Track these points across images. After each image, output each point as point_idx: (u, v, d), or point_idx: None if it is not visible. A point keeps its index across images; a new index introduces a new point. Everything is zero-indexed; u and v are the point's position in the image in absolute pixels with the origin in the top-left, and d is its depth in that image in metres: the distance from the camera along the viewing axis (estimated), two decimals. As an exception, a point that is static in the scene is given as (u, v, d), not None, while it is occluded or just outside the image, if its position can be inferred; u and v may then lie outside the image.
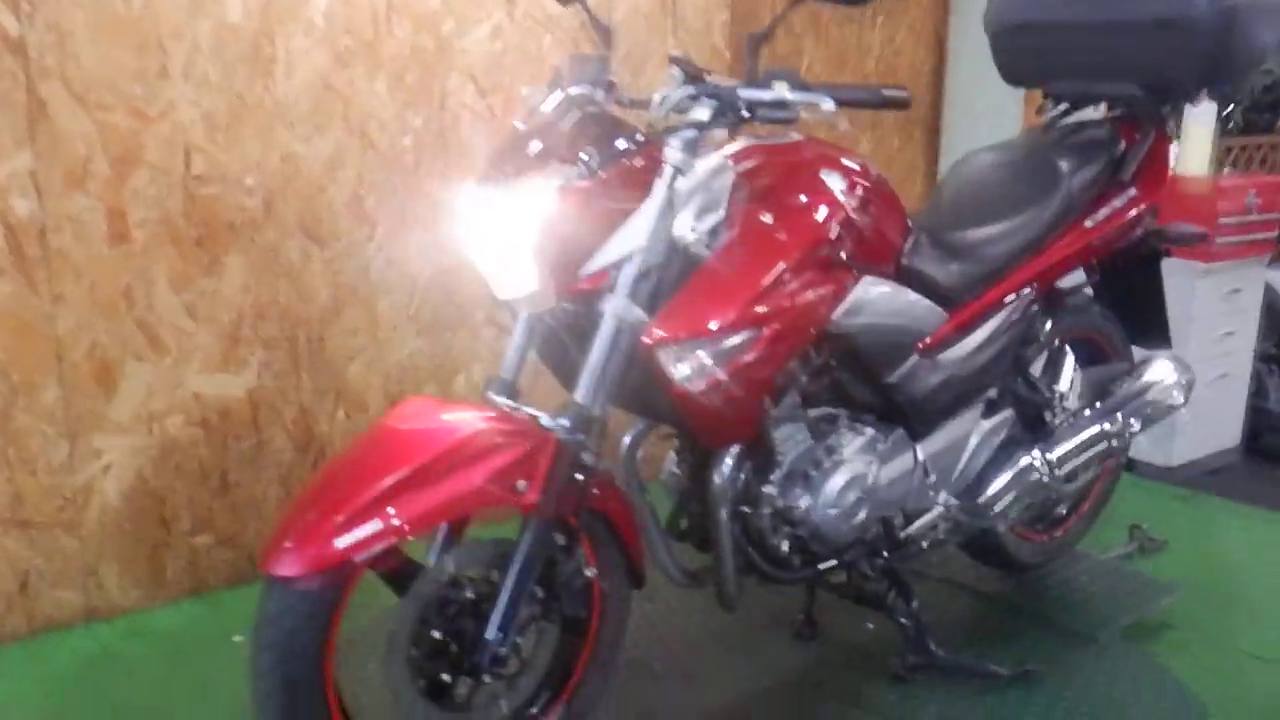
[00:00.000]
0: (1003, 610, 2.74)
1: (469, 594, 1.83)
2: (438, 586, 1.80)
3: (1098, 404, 2.61)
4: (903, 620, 2.38)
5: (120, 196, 2.67)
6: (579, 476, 1.85)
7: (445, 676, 1.82)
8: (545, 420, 1.83)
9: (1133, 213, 2.54)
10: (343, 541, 1.64)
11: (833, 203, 2.00)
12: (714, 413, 1.91)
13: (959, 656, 2.39)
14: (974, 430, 2.37)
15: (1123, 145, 2.56)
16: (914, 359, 2.24)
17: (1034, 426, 2.54)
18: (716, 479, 2.02)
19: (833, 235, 1.99)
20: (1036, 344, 2.51)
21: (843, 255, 2.04)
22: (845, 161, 2.09)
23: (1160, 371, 2.69)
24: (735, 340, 1.87)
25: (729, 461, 2.02)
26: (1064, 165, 2.46)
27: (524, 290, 1.81)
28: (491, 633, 1.80)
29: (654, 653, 2.49)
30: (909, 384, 2.23)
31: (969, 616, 2.71)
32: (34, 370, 2.62)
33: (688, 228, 1.88)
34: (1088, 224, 2.49)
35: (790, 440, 2.10)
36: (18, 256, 2.58)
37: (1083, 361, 2.71)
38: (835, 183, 2.02)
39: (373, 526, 1.65)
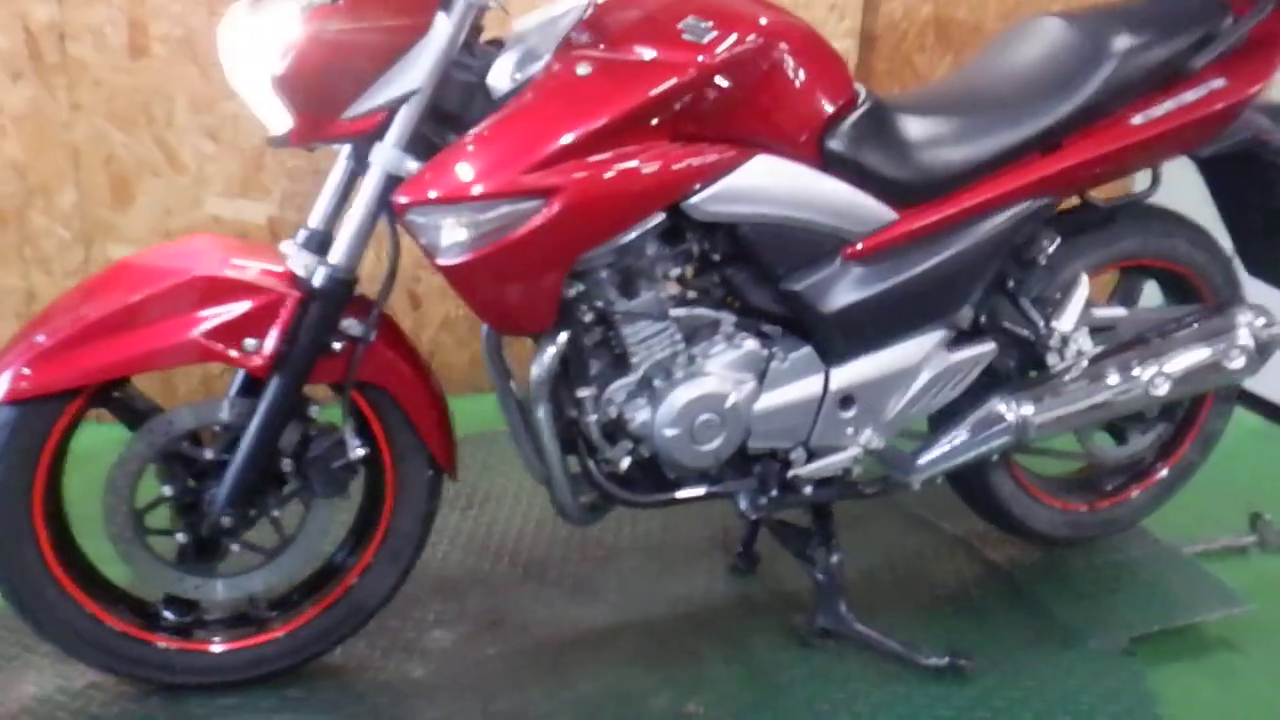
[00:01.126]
0: (993, 585, 2.26)
1: (209, 454, 1.68)
2: (167, 438, 1.66)
3: (1127, 353, 2.05)
4: (818, 575, 2.00)
5: (143, 9, 2.64)
6: (336, 344, 1.63)
7: (181, 536, 1.70)
8: (300, 278, 1.62)
9: (1214, 108, 1.93)
10: (27, 379, 1.57)
11: (688, 59, 1.61)
12: (485, 295, 1.63)
13: (878, 630, 1.99)
14: (928, 361, 1.91)
15: (1230, 18, 1.94)
16: (834, 265, 1.82)
17: (1029, 369, 2.03)
18: (534, 369, 1.73)
19: (678, 98, 1.61)
20: (1035, 267, 1.98)
21: (708, 125, 1.66)
22: (741, 11, 1.68)
23: (1226, 323, 2.08)
24: (506, 210, 1.56)
25: (550, 352, 1.73)
26: (1119, 41, 1.89)
27: (279, 128, 1.59)
28: (214, 498, 1.64)
29: (570, 562, 2.26)
30: (821, 295, 1.82)
31: (944, 583, 2.26)
32: (51, 174, 2.68)
33: (507, 76, 1.59)
34: (1136, 120, 1.91)
35: (649, 341, 1.77)
36: (37, 61, 2.61)
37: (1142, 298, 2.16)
38: (704, 34, 1.62)
39: (54, 369, 1.56)
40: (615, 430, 1.79)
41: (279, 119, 1.58)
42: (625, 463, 1.81)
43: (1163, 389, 2.01)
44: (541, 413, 1.75)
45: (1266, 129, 2.01)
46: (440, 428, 1.79)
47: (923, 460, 1.97)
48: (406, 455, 1.79)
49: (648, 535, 2.34)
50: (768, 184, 1.73)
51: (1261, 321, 2.06)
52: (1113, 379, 2.00)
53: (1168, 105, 1.92)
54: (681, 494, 1.87)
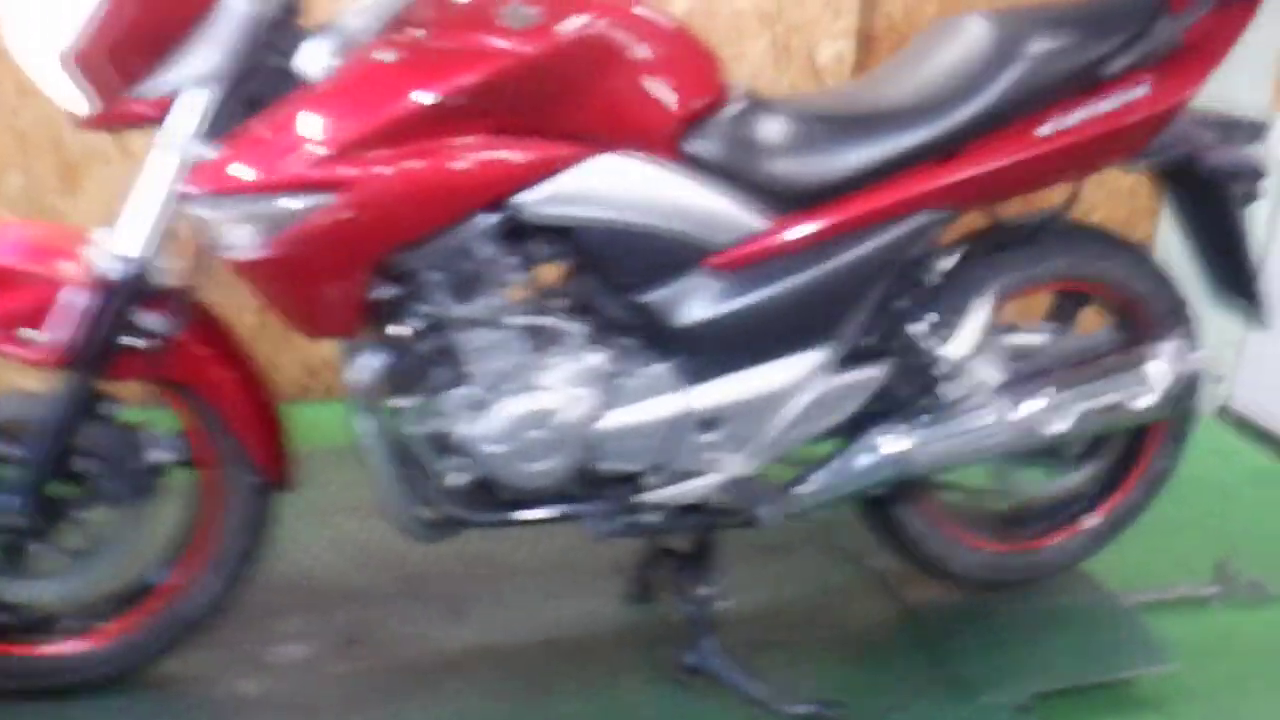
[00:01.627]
0: (902, 628, 2.10)
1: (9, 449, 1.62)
2: None
3: (1033, 385, 1.87)
4: (687, 607, 1.86)
5: None
6: (137, 340, 1.56)
7: None
8: (96, 269, 1.55)
9: (1133, 118, 1.74)
10: None
11: (500, 48, 1.50)
12: (279, 295, 1.53)
13: (743, 674, 1.84)
14: (805, 385, 1.76)
15: (1165, 19, 1.75)
16: (692, 276, 1.69)
17: (924, 397, 1.86)
18: (351, 376, 1.63)
19: (487, 89, 1.50)
20: (931, 287, 1.81)
21: (538, 120, 1.54)
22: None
23: (1142, 357, 1.88)
24: (292, 204, 1.45)
25: (366, 359, 1.62)
26: (1031, 43, 1.72)
27: (75, 108, 1.51)
28: (4, 498, 1.58)
29: (453, 580, 2.14)
30: (675, 308, 1.68)
31: (850, 623, 2.10)
32: None
33: (318, 61, 1.49)
34: (1044, 129, 1.73)
35: (487, 351, 1.65)
36: (-20, 44, 2.60)
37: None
38: (526, 22, 1.50)
39: None
40: (444, 444, 1.67)
41: (67, 98, 1.50)
42: (460, 479, 1.69)
43: (1058, 426, 1.82)
44: (361, 423, 1.64)
45: (1205, 144, 1.81)
46: (265, 434, 1.70)
47: (796, 491, 1.82)
48: (227, 461, 1.70)
49: (545, 555, 2.22)
50: (608, 186, 1.60)
51: (1181, 359, 1.86)
52: (1007, 413, 1.82)
53: (1080, 114, 1.74)
54: (522, 515, 1.75)
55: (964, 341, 1.79)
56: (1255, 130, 1.90)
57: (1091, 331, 2.03)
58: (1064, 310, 2.01)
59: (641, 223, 1.63)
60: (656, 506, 1.77)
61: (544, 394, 1.65)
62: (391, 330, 1.63)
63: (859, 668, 1.98)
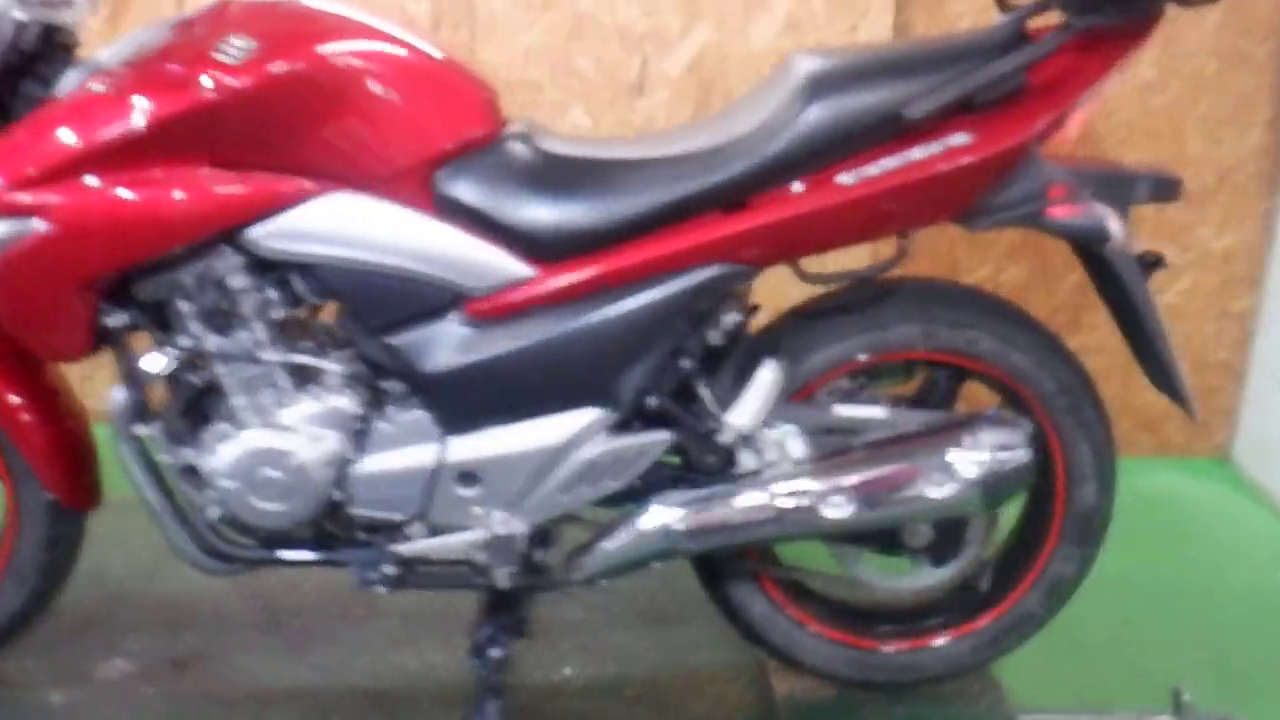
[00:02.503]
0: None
1: None
2: None
3: (836, 461, 1.67)
4: (473, 664, 1.78)
5: None
6: None
7: None
8: None
9: (944, 168, 1.53)
10: None
11: (208, 80, 1.49)
12: (4, 317, 1.57)
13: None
14: (579, 444, 1.65)
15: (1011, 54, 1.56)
16: (445, 322, 1.62)
17: (716, 467, 1.70)
18: (109, 401, 1.67)
19: (194, 121, 1.49)
20: (711, 349, 1.66)
21: (261, 154, 1.53)
22: (302, 32, 1.54)
23: (956, 441, 1.63)
24: None
25: (119, 386, 1.65)
26: (838, 87, 1.56)
27: None
28: None
29: (318, 614, 2.13)
30: (425, 354, 1.62)
31: (695, 706, 1.93)
32: None
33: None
34: (844, 178, 1.56)
35: (246, 384, 1.65)
36: None
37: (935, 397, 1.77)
38: (240, 55, 1.50)
39: None
40: (195, 477, 1.67)
41: None
42: (215, 513, 1.68)
43: (841, 511, 1.61)
44: (122, 451, 1.67)
45: (1057, 200, 1.58)
46: (54, 452, 1.74)
47: (582, 557, 1.70)
48: (21, 478, 1.76)
49: (405, 601, 2.16)
50: (342, 224, 1.56)
51: (997, 448, 1.61)
52: (788, 492, 1.63)
53: (887, 163, 1.55)
54: (285, 554, 1.72)
55: (746, 410, 1.62)
56: (1147, 186, 1.63)
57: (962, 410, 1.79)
58: (938, 386, 1.79)
59: (384, 263, 1.58)
60: (420, 559, 1.70)
61: (283, 433, 1.62)
62: (148, 360, 1.64)
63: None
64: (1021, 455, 1.60)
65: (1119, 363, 2.90)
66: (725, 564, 1.81)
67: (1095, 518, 1.80)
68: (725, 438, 1.63)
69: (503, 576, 1.67)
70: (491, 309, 1.60)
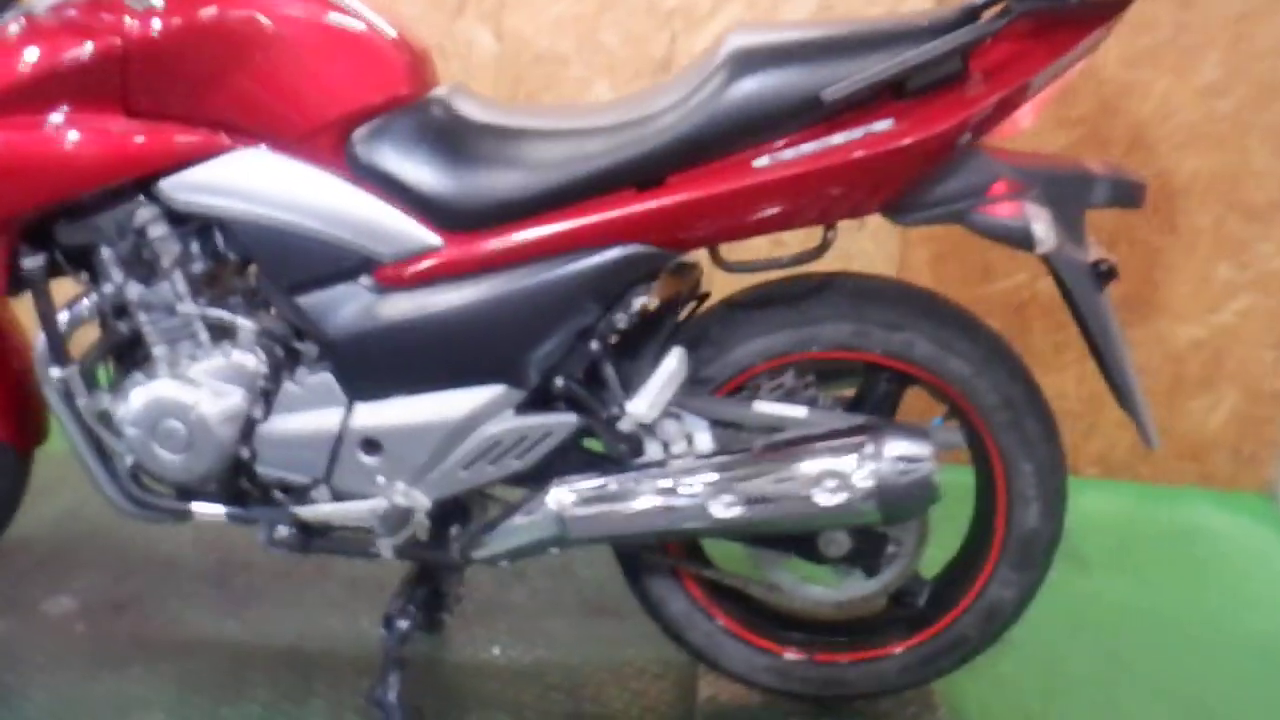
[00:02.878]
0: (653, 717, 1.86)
1: None
2: None
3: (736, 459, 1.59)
4: (382, 633, 1.76)
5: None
6: None
7: None
8: None
9: (861, 154, 1.44)
10: None
11: (114, 28, 1.49)
12: None
13: None
14: (482, 420, 1.61)
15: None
16: (353, 286, 1.60)
17: (626, 456, 1.64)
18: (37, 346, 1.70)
19: (97, 69, 1.49)
20: (621, 333, 1.59)
21: (172, 105, 1.53)
22: None
23: (856, 447, 1.54)
24: None
25: (40, 330, 1.68)
26: (760, 66, 1.48)
27: None
28: None
29: (268, 575, 2.15)
30: (329, 317, 1.60)
31: (605, 705, 1.88)
32: None
33: None
34: (760, 161, 1.48)
35: (167, 334, 1.66)
36: None
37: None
38: (147, 3, 1.49)
39: None
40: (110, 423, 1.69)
41: None
42: (128, 461, 1.70)
43: (730, 511, 1.54)
44: (50, 394, 1.69)
45: (996, 197, 1.47)
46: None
47: (479, 537, 1.67)
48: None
49: (370, 567, 2.16)
50: (252, 181, 1.55)
51: (901, 460, 1.51)
52: (679, 487, 1.56)
53: (806, 148, 1.46)
54: (197, 508, 1.72)
55: (644, 398, 1.56)
56: (1106, 190, 1.52)
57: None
58: (878, 390, 1.70)
59: (292, 223, 1.56)
60: (323, 523, 1.68)
61: (187, 386, 1.62)
62: (71, 307, 1.66)
63: None
64: (924, 469, 1.49)
65: (1162, 385, 2.75)
66: (645, 557, 1.75)
67: (1038, 542, 1.69)
68: (626, 425, 1.57)
69: (387, 547, 1.64)
70: (399, 276, 1.57)
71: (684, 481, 1.54)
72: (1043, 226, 1.42)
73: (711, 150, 1.48)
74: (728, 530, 1.56)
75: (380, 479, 1.64)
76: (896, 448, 1.49)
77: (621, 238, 1.52)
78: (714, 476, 1.54)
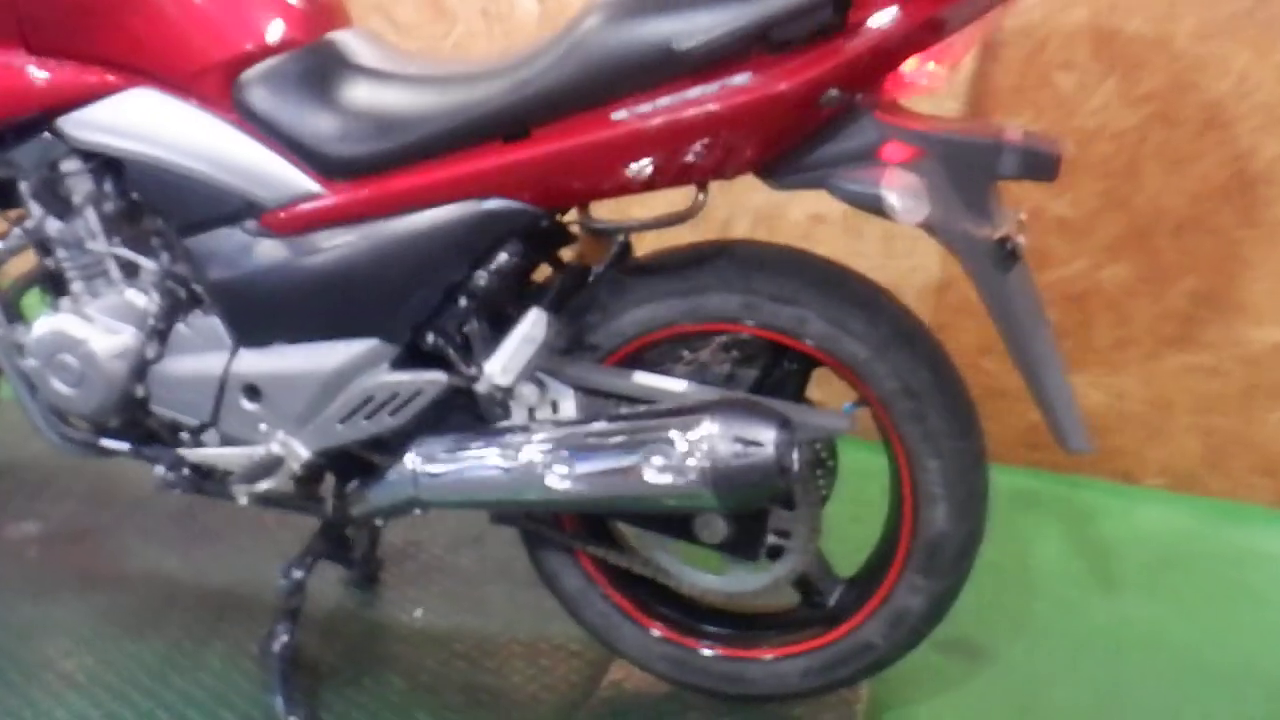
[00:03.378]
0: (558, 702, 1.79)
1: None
2: None
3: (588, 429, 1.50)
4: (278, 586, 1.77)
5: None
6: None
7: None
8: None
9: (710, 110, 1.34)
10: None
11: None
12: None
13: (283, 675, 1.71)
14: (354, 374, 1.58)
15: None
16: (236, 230, 1.59)
17: (496, 419, 1.58)
18: None
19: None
20: (489, 291, 1.53)
21: (71, 43, 1.56)
22: None
23: (695, 424, 1.42)
24: None
25: None
26: (631, 20, 1.39)
27: None
28: None
29: (224, 519, 2.19)
30: (210, 260, 1.60)
31: (505, 680, 1.83)
32: None
33: None
34: (619, 114, 1.40)
35: (82, 270, 1.71)
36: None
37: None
38: None
39: None
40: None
41: None
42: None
43: (564, 483, 1.45)
44: None
45: (884, 161, 1.35)
46: None
47: (349, 494, 1.64)
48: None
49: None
50: (142, 121, 1.56)
51: (738, 441, 1.38)
52: (519, 454, 1.48)
53: (664, 101, 1.37)
54: (105, 443, 1.76)
55: (499, 359, 1.49)
56: (1015, 160, 1.36)
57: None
58: (780, 369, 1.58)
59: (179, 164, 1.57)
60: (209, 467, 1.69)
61: (83, 321, 1.65)
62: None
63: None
64: (764, 453, 1.37)
65: (1236, 389, 2.49)
66: (541, 529, 1.69)
67: (947, 546, 1.54)
68: (482, 387, 1.51)
69: (242, 494, 1.63)
70: (281, 223, 1.56)
71: (524, 450, 1.47)
72: (900, 194, 1.28)
73: (571, 102, 1.40)
74: (568, 504, 1.47)
75: (262, 426, 1.63)
76: (735, 428, 1.38)
77: (487, 191, 1.46)
78: (550, 447, 1.46)
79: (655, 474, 1.39)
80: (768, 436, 1.36)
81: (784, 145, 1.36)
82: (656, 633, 1.71)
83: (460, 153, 1.46)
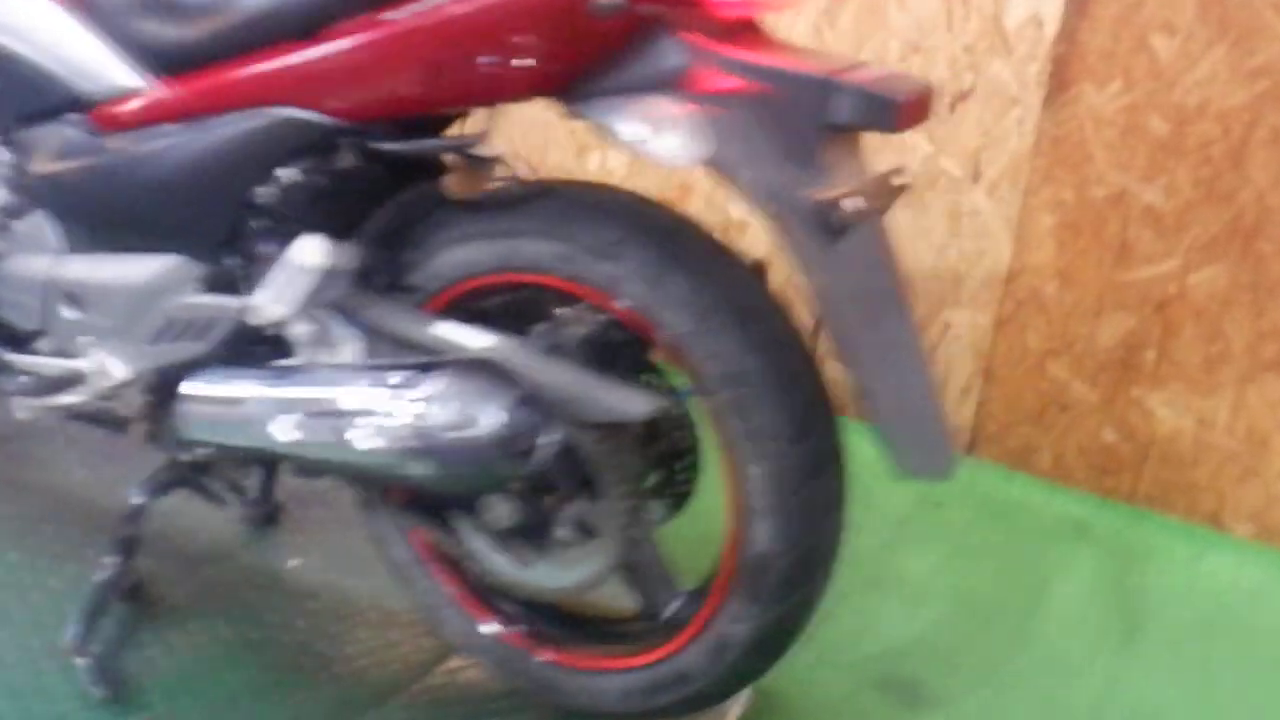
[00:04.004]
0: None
1: None
2: None
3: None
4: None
5: None
6: None
7: None
8: None
9: (462, 10, 1.13)
10: None
11: None
12: None
13: (97, 602, 1.61)
14: (164, 293, 1.45)
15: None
16: (60, 122, 1.50)
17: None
18: None
19: None
20: (275, 212, 1.36)
21: None
22: None
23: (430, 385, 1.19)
24: None
25: None
26: None
27: None
28: None
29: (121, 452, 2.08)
30: (31, 150, 1.51)
31: (348, 654, 1.68)
32: None
33: None
34: (392, 14, 1.21)
35: None
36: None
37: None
38: None
39: None
40: None
41: None
42: None
43: (287, 434, 1.26)
44: None
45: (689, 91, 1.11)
46: None
47: (154, 423, 1.53)
48: None
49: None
50: (-17, 4, 1.48)
51: (457, 411, 1.15)
52: (256, 395, 1.31)
53: (420, 5, 1.17)
54: None
55: (270, 290, 1.32)
56: (850, 104, 1.10)
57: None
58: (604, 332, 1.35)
59: (10, 49, 1.48)
60: (37, 374, 1.61)
61: None
62: None
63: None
64: (483, 429, 1.14)
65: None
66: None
67: (769, 570, 1.28)
68: (254, 318, 1.35)
69: (21, 406, 1.53)
70: (105, 120, 1.44)
71: (255, 392, 1.30)
72: (624, 122, 1.03)
73: (346, 6, 1.22)
74: (294, 459, 1.29)
75: (81, 338, 1.53)
76: (461, 398, 1.16)
77: (280, 98, 1.30)
78: (279, 393, 1.28)
79: (361, 437, 1.19)
80: (491, 412, 1.14)
81: (575, 65, 1.13)
82: (482, 623, 1.51)
83: (257, 54, 1.30)
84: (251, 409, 1.31)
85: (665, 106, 1.07)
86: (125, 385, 1.51)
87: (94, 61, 1.42)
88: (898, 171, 1.18)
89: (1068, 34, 2.14)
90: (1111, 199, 2.17)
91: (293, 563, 1.82)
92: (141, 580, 1.70)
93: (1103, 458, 2.28)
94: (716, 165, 1.09)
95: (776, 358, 1.22)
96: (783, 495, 1.23)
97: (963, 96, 2.22)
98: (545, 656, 1.47)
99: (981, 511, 2.19)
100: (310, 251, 1.31)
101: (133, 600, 1.68)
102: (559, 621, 1.50)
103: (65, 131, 1.46)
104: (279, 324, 1.34)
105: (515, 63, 1.14)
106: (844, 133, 1.12)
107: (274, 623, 1.68)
